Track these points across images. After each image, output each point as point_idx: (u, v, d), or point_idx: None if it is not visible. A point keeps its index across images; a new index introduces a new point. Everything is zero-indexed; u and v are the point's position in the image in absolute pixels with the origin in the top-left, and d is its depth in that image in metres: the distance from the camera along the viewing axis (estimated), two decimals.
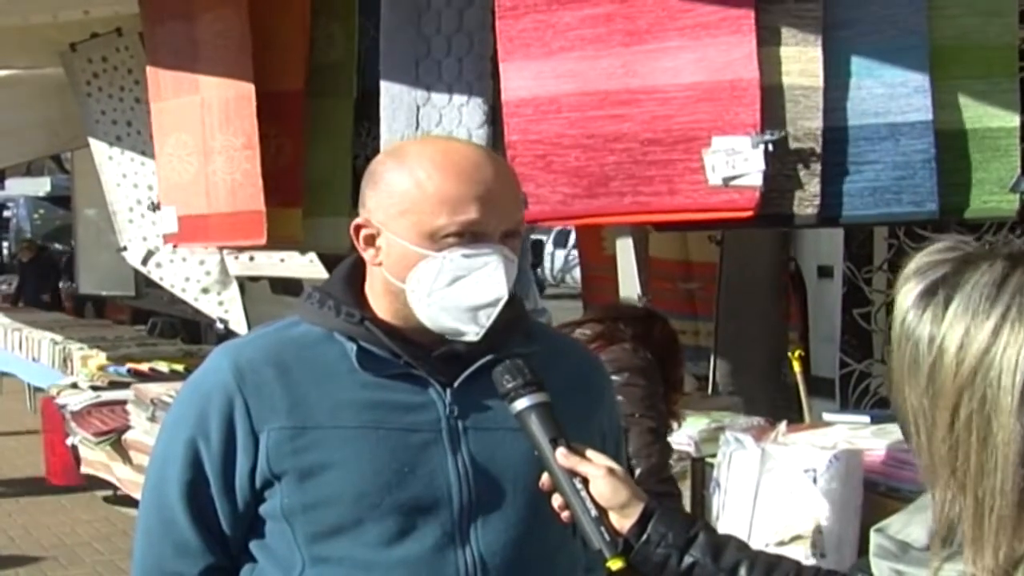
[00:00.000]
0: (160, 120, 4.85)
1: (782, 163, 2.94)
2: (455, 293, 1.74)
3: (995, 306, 1.20)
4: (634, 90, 3.07)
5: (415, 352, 1.78)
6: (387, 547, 1.73)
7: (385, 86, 3.85)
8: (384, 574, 1.73)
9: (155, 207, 5.13)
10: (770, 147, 2.87)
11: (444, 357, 1.79)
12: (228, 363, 1.79)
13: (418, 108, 3.81)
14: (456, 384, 1.78)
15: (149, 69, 4.87)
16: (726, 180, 2.93)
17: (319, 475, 1.73)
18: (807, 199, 2.95)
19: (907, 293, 1.26)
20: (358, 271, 1.86)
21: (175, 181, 4.77)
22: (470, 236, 1.73)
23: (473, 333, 1.76)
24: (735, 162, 2.91)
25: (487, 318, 1.76)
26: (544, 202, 3.19)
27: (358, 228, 1.81)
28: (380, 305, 1.82)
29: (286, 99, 4.45)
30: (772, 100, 2.95)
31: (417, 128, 3.79)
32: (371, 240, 1.80)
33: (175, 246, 5.17)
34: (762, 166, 2.88)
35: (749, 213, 2.93)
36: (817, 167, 2.94)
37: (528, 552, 1.78)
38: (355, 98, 4.44)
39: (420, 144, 1.88)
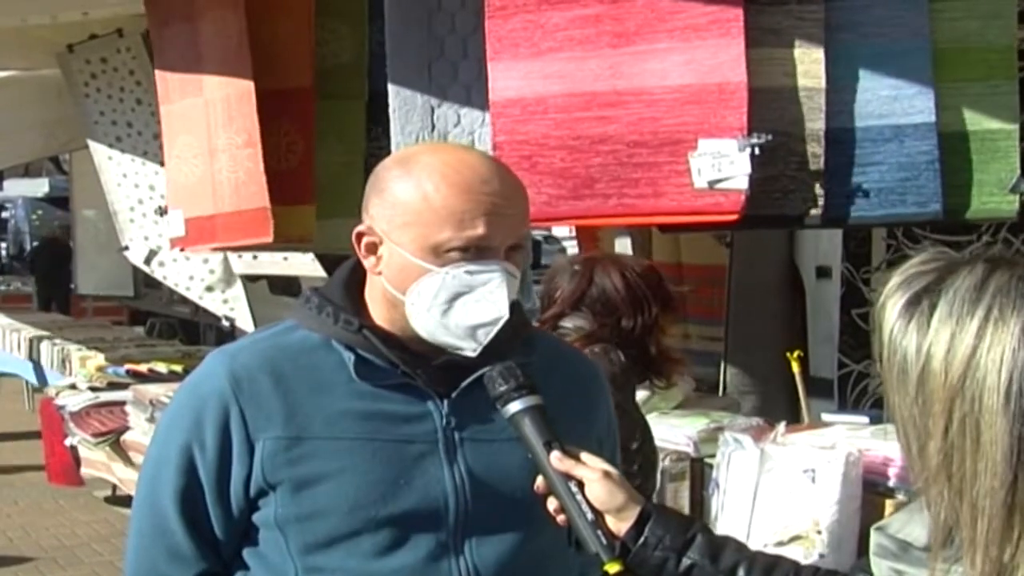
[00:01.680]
0: (168, 123, 4.84)
1: (785, 164, 2.94)
2: (456, 310, 1.72)
3: (977, 308, 1.21)
4: (621, 92, 3.06)
5: (413, 362, 1.76)
6: (381, 558, 1.72)
7: (394, 89, 3.82)
8: None
9: (163, 211, 5.07)
10: (756, 150, 2.87)
11: (443, 367, 1.77)
12: (224, 370, 1.78)
13: (432, 109, 3.79)
14: (454, 395, 1.77)
15: (157, 72, 4.88)
16: (711, 183, 2.92)
17: (314, 486, 1.72)
18: (811, 200, 2.95)
19: (892, 306, 1.27)
20: (357, 275, 1.84)
21: (182, 183, 4.76)
22: (475, 252, 1.71)
23: (471, 349, 1.75)
24: (721, 165, 2.90)
25: (486, 336, 1.74)
26: (529, 203, 3.18)
27: (360, 235, 1.79)
28: (379, 312, 1.80)
29: (294, 96, 4.44)
30: (775, 101, 2.95)
31: (433, 130, 3.77)
32: (373, 248, 1.78)
33: (182, 249, 5.13)
34: (748, 169, 2.87)
35: (734, 216, 2.92)
36: (821, 167, 2.94)
37: (524, 563, 1.77)
38: (365, 100, 4.44)
39: (429, 153, 1.82)
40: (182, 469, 1.77)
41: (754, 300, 5.02)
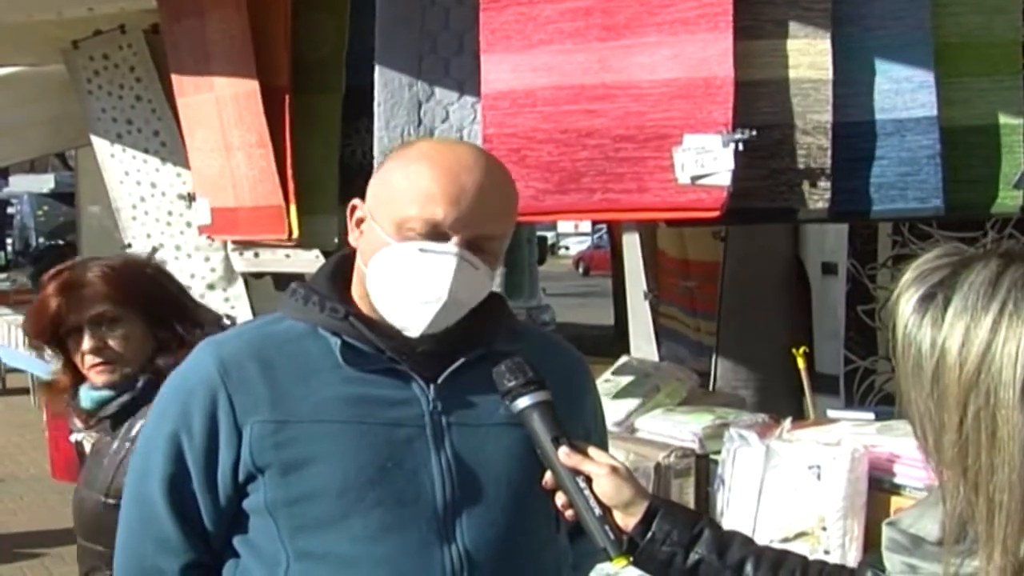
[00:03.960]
0: (186, 115, 4.87)
1: (791, 157, 2.92)
2: (401, 287, 1.75)
3: (992, 302, 1.21)
4: (609, 85, 3.03)
5: (399, 347, 1.79)
6: (372, 542, 1.73)
7: (381, 82, 3.80)
8: (369, 569, 1.73)
9: (191, 199, 5.13)
10: (739, 146, 2.84)
11: (429, 352, 1.80)
12: (212, 358, 1.80)
13: (420, 104, 3.78)
14: (440, 380, 1.79)
15: (172, 66, 4.90)
16: (694, 179, 2.89)
17: (302, 469, 1.74)
18: (817, 193, 2.93)
19: (907, 300, 1.27)
20: (343, 267, 1.89)
21: (206, 174, 4.78)
22: (433, 234, 1.74)
23: (413, 329, 1.77)
24: (704, 161, 2.88)
25: (426, 316, 1.76)
26: (518, 197, 3.17)
27: (353, 208, 1.85)
28: (362, 298, 1.83)
29: (271, 95, 4.44)
30: (780, 93, 2.93)
31: (419, 124, 3.77)
32: (359, 223, 1.84)
33: (210, 238, 5.17)
34: (731, 165, 2.84)
35: (716, 213, 2.89)
36: (827, 161, 2.92)
37: (514, 548, 1.79)
38: (342, 94, 4.44)
39: (431, 142, 1.93)
40: (170, 457, 1.79)
41: (747, 296, 5.00)
